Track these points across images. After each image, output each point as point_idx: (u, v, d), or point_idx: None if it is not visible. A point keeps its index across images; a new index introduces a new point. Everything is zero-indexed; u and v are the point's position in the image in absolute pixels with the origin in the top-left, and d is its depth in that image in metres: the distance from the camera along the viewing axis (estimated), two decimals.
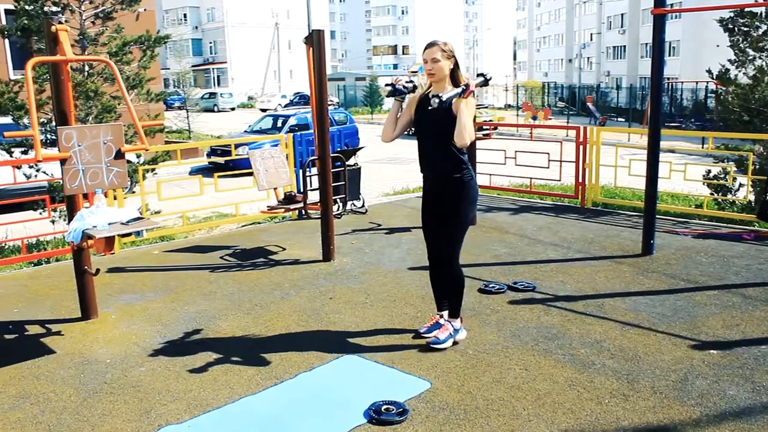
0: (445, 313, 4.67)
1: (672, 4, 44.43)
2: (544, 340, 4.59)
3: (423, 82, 4.49)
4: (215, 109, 51.45)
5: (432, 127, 4.28)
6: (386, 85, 4.40)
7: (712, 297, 5.40)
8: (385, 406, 3.66)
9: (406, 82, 4.40)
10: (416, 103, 4.39)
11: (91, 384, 4.09)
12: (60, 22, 4.66)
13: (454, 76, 4.27)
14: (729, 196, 9.70)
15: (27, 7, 8.52)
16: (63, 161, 4.48)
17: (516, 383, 3.96)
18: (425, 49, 4.27)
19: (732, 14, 10.04)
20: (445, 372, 4.12)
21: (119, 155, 4.67)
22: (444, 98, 4.12)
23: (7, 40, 12.49)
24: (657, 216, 7.18)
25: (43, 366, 4.38)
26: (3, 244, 8.28)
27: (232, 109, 53.96)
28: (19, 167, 8.67)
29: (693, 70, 39.14)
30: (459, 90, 4.08)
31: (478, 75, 4.30)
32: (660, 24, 6.30)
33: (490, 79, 4.36)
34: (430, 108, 4.26)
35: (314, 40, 6.50)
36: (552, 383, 3.95)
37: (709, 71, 10.89)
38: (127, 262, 6.88)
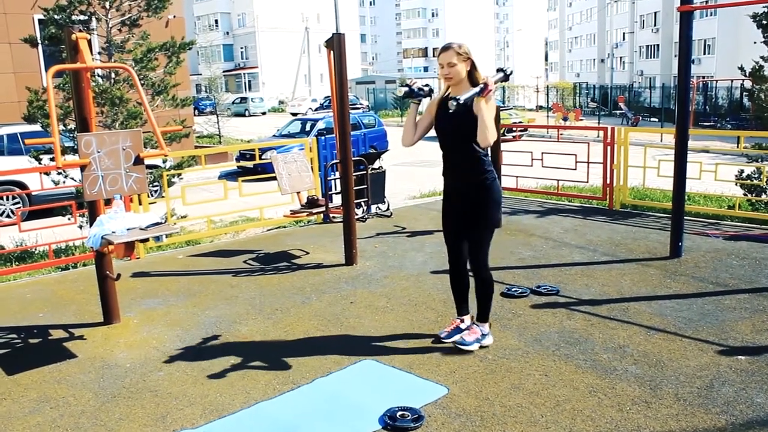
0: (466, 318, 4.63)
1: (705, 0, 43.64)
2: (566, 345, 4.50)
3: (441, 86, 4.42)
4: (246, 113, 51.91)
5: (453, 130, 4.21)
6: (401, 85, 4.33)
7: (742, 301, 5.25)
8: (400, 412, 3.62)
9: (423, 85, 4.32)
10: (436, 106, 4.32)
11: (110, 388, 4.12)
12: (82, 30, 4.70)
13: (473, 77, 4.18)
14: (763, 197, 9.45)
15: (55, 16, 8.66)
16: (83, 167, 4.52)
17: (535, 389, 3.88)
18: (440, 53, 4.20)
19: (766, 9, 9.80)
20: (463, 378, 4.06)
21: (138, 161, 4.70)
22: (461, 99, 3.96)
23: (41, 49, 12.70)
24: (687, 217, 7.04)
25: (65, 370, 4.42)
26: (33, 249, 8.41)
27: (263, 113, 54.37)
28: (48, 173, 8.80)
29: (729, 68, 38.32)
30: (477, 90, 3.98)
31: (497, 70, 4.20)
32: (687, 21, 6.16)
33: (511, 73, 4.27)
34: (450, 111, 4.15)
35: (335, 44, 6.49)
36: (572, 389, 3.86)
37: (741, 68, 10.64)
38: (151, 266, 6.93)
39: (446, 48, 4.18)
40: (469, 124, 4.05)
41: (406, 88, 4.27)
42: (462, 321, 4.63)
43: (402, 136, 4.50)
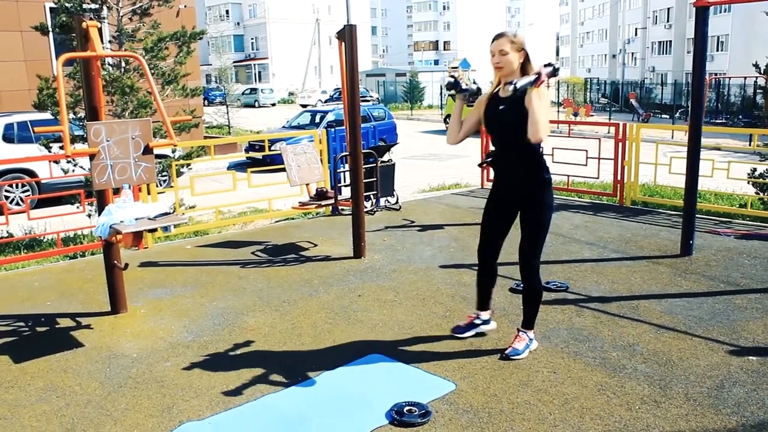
0: (483, 313, 4.53)
1: None
2: (575, 342, 4.46)
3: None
4: (256, 104, 51.93)
5: (505, 126, 3.98)
6: (449, 76, 4.14)
7: (753, 300, 5.20)
8: (407, 408, 3.60)
9: (472, 82, 4.19)
10: (485, 103, 4.11)
11: (116, 378, 4.11)
12: (93, 18, 4.68)
13: (525, 70, 3.93)
14: None
15: (66, 4, 8.65)
16: (92, 156, 4.50)
17: (543, 386, 3.85)
18: (493, 40, 3.98)
19: None
20: (471, 373, 4.04)
21: (147, 150, 4.68)
22: (518, 85, 3.68)
23: (51, 38, 12.71)
24: (698, 215, 6.97)
25: (71, 359, 4.42)
26: (41, 238, 8.42)
27: (273, 104, 54.38)
28: (57, 162, 8.81)
29: (742, 65, 38.07)
30: (531, 78, 3.75)
31: (546, 65, 3.90)
32: (702, 17, 6.09)
33: (559, 69, 3.99)
34: (501, 106, 3.97)
35: (346, 35, 6.45)
36: (581, 387, 3.83)
37: (756, 65, 10.54)
38: (159, 256, 6.93)
39: (499, 35, 3.97)
40: (522, 118, 3.80)
41: (452, 80, 4.06)
42: (478, 316, 4.54)
43: (447, 133, 4.28)
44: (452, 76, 4.09)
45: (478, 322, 4.55)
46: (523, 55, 3.97)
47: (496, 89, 4.08)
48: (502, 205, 4.24)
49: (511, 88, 3.75)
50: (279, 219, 8.98)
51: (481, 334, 4.59)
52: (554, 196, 4.21)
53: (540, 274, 4.23)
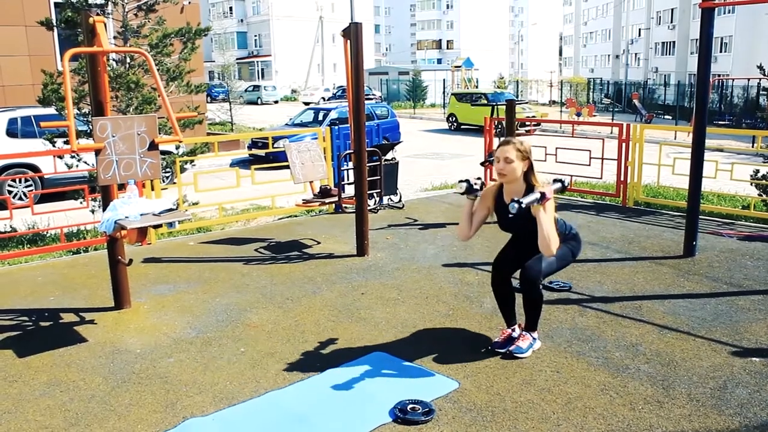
0: (516, 327, 4.45)
1: None
2: (578, 341, 4.47)
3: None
4: (259, 101, 51.89)
5: (518, 230, 4.21)
6: (460, 181, 4.22)
7: (756, 302, 5.20)
8: (411, 406, 3.61)
9: (476, 178, 4.24)
10: (493, 200, 4.20)
11: (120, 373, 4.12)
12: (99, 14, 4.69)
13: (528, 179, 4.03)
14: None
15: (72, 0, 8.66)
16: (98, 152, 4.51)
17: (546, 386, 3.86)
18: (499, 145, 4.06)
19: None
20: (474, 372, 4.04)
21: (153, 146, 4.69)
22: (524, 204, 3.77)
23: (56, 33, 12.71)
24: (701, 216, 6.97)
25: (75, 354, 4.43)
26: (45, 233, 8.44)
27: (276, 102, 54.34)
28: (61, 157, 8.81)
29: (746, 66, 38.04)
30: (536, 196, 3.83)
31: (554, 180, 4.08)
32: (708, 18, 6.09)
33: (567, 185, 4.14)
34: (509, 215, 3.96)
35: (352, 33, 6.46)
36: (584, 387, 3.84)
37: (760, 67, 10.52)
38: (162, 252, 6.94)
39: (507, 142, 4.04)
40: (532, 225, 3.92)
41: (466, 185, 4.17)
42: (513, 330, 4.44)
43: (458, 229, 4.34)
44: (465, 181, 4.20)
45: (514, 335, 4.42)
46: (527, 164, 4.03)
47: (500, 187, 4.18)
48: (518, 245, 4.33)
49: (515, 208, 3.79)
50: (282, 216, 8.99)
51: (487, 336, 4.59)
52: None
53: (541, 288, 4.21)
